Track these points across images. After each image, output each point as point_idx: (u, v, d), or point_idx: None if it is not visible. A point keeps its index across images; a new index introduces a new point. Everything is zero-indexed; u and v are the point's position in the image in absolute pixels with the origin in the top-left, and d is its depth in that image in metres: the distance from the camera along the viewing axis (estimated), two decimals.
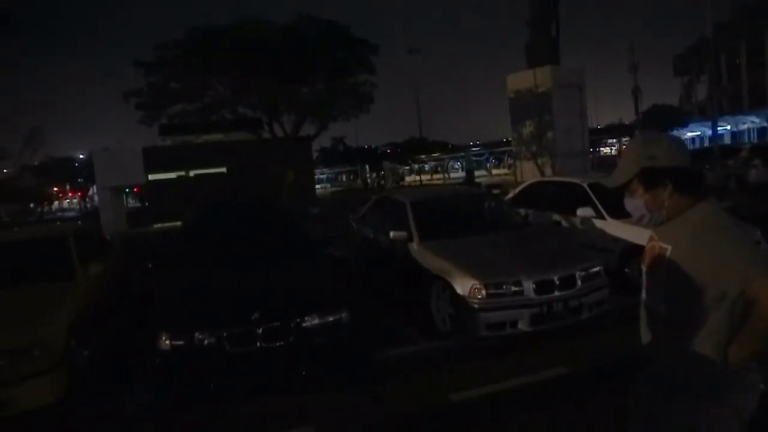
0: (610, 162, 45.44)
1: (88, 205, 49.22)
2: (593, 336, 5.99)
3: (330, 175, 65.92)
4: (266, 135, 25.13)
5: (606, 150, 58.22)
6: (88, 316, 5.77)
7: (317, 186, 43.78)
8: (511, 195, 10.43)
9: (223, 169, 24.83)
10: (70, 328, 5.21)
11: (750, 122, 49.15)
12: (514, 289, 5.74)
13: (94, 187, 31.34)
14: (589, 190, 8.44)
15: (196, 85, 23.25)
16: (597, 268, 6.23)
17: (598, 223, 8.08)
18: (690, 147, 48.56)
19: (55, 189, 62.68)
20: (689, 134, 54.13)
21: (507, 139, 37.56)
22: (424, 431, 4.35)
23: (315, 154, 41.83)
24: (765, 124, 48.27)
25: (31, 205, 56.16)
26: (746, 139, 47.26)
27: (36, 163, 59.08)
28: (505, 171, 36.33)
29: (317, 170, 53.74)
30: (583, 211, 8.16)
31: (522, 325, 5.71)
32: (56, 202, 62.66)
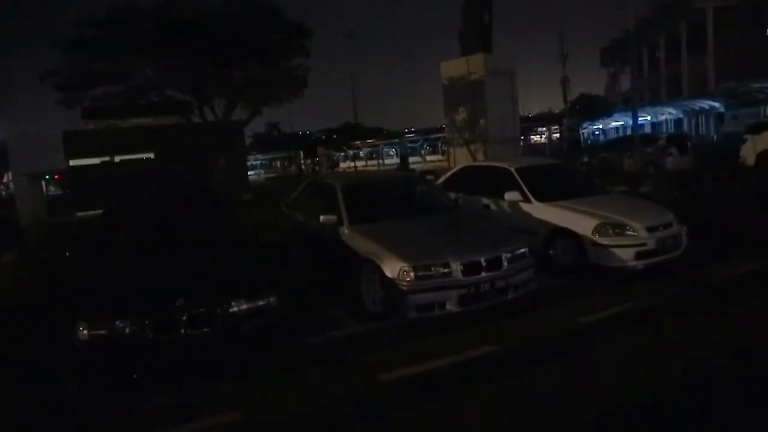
0: (540, 149, 46.91)
1: (3, 193, 46.30)
2: (520, 315, 6.19)
3: (264, 162, 64.81)
4: (196, 119, 24.36)
5: (536, 138, 59.96)
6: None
7: (251, 172, 42.88)
8: (441, 179, 10.56)
9: (151, 155, 23.89)
10: None
11: (668, 113, 51.85)
12: (442, 270, 5.82)
13: (9, 173, 29.47)
14: (516, 175, 8.66)
15: (120, 66, 22.18)
16: (523, 250, 6.41)
17: (525, 207, 8.32)
18: (613, 135, 50.82)
19: None
20: (613, 123, 56.58)
21: (441, 126, 38.02)
22: (354, 413, 4.36)
23: (248, 140, 40.92)
24: (681, 116, 51.08)
25: None
26: (664, 129, 49.93)
27: None
28: (439, 157, 36.80)
29: (251, 156, 52.64)
30: (510, 195, 8.38)
31: (450, 306, 5.80)
32: None
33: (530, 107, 69.77)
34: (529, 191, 8.35)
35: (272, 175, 52.86)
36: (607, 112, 54.95)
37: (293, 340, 5.52)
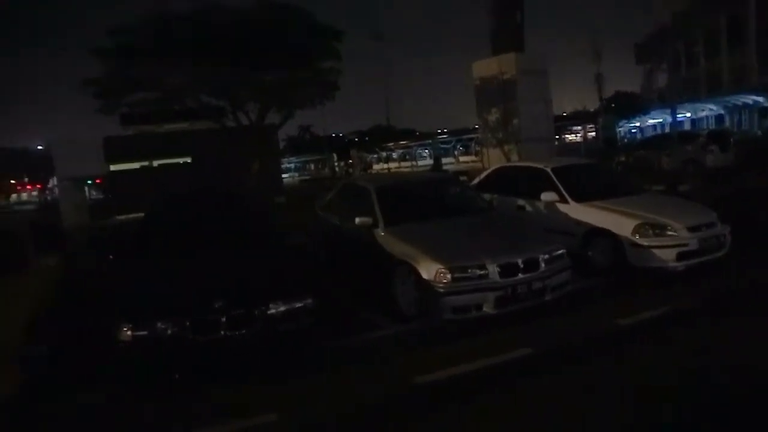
0: (575, 148, 46.16)
1: (48, 198, 47.89)
2: (557, 317, 6.10)
3: (298, 164, 65.43)
4: (231, 123, 24.74)
5: (571, 137, 58.98)
6: (45, 309, 5.64)
7: (285, 175, 43.34)
8: (476, 181, 10.49)
9: (188, 159, 24.42)
10: (25, 320, 5.09)
11: (708, 109, 50.48)
12: (478, 272, 5.79)
13: (54, 178, 30.49)
14: (552, 175, 8.54)
15: (155, 73, 22.67)
16: (560, 251, 6.32)
17: (562, 207, 8.20)
18: (651, 133, 49.74)
19: (12, 181, 60.92)
20: (651, 121, 55.33)
21: (474, 127, 37.75)
22: (390, 415, 4.36)
23: (282, 143, 41.36)
24: (722, 112, 49.69)
25: None
26: (705, 126, 48.59)
27: None
28: (473, 158, 36.52)
29: (285, 159, 53.18)
30: (546, 196, 8.28)
31: (487, 308, 5.76)
32: (14, 195, 60.85)
33: (564, 106, 68.76)
34: (566, 191, 8.23)
35: (306, 177, 53.35)
36: (643, 110, 53.82)
37: (329, 342, 5.54)
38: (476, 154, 34.29)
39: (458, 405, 4.37)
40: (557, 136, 36.98)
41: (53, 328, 5.79)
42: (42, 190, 56.85)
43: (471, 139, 44.12)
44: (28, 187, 61.78)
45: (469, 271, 5.79)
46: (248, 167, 22.02)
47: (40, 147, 50.13)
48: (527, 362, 5.05)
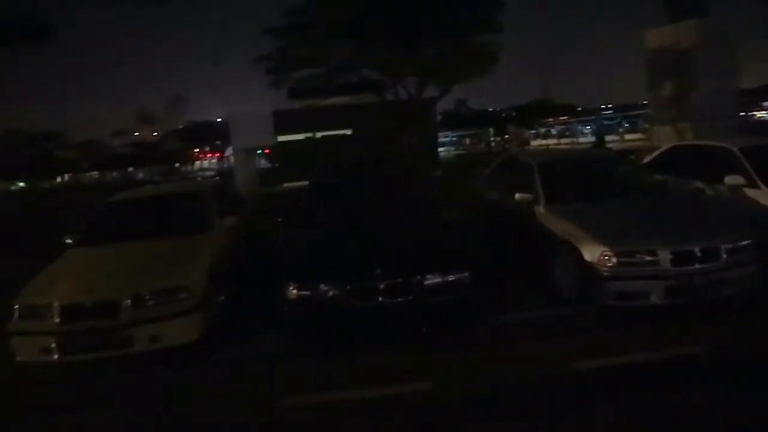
0: (765, 127, 40.66)
1: (225, 165, 52.88)
2: (736, 315, 5.48)
3: (453, 138, 65.21)
4: (390, 97, 25.26)
5: (762, 114, 51.96)
6: (223, 264, 6.24)
7: (441, 149, 43.43)
8: (647, 159, 9.68)
9: (349, 131, 25.41)
10: (208, 273, 5.68)
11: None
12: (647, 258, 5.37)
13: (230, 148, 33.48)
14: (740, 156, 7.60)
15: (321, 49, 23.75)
16: (746, 242, 5.61)
17: (750, 193, 7.28)
18: None
19: (196, 150, 68.26)
20: None
21: (641, 102, 34.87)
22: (544, 398, 4.25)
23: (439, 117, 41.47)
24: None
25: (176, 164, 61.68)
26: None
27: (180, 127, 64.53)
28: (640, 136, 33.71)
29: (441, 133, 53.32)
30: (732, 179, 7.39)
31: (654, 298, 5.33)
32: (197, 162, 68.18)
33: (753, 78, 60.69)
34: (756, 175, 7.29)
35: (461, 152, 53.09)
36: None
37: (484, 317, 5.51)
38: (643, 132, 31.58)
39: (618, 397, 4.14)
40: (743, 113, 32.89)
41: (231, 282, 6.40)
42: (220, 159, 63.08)
43: (638, 116, 40.85)
44: (209, 155, 68.84)
45: (637, 255, 5.40)
46: (406, 140, 22.40)
47: (219, 119, 55.29)
48: (695, 362, 4.62)
